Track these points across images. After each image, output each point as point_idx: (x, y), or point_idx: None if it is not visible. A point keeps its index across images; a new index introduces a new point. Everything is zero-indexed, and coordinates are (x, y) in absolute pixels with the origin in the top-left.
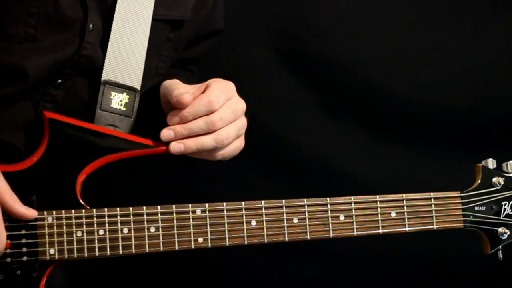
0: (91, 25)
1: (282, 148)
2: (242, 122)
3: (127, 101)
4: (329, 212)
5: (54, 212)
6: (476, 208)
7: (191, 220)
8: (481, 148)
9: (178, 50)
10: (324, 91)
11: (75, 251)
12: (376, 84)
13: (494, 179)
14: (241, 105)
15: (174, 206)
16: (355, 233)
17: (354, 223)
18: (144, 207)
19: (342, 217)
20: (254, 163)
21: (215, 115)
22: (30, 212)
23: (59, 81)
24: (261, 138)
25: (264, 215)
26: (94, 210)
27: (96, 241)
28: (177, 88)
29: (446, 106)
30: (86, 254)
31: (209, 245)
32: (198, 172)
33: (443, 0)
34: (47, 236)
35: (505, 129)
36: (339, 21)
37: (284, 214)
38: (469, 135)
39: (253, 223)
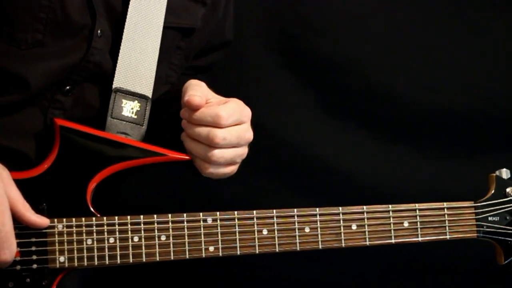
0: (99, 31)
1: (282, 148)
2: (242, 151)
3: (139, 109)
4: (341, 221)
5: (64, 220)
6: (490, 218)
7: (202, 228)
8: (481, 148)
9: (188, 59)
10: (324, 91)
11: (85, 259)
12: (376, 84)
13: (508, 189)
14: (249, 134)
15: (185, 214)
16: (367, 242)
17: (367, 232)
18: (155, 216)
19: (354, 227)
20: (254, 163)
21: (220, 133)
22: (42, 221)
23: (67, 87)
24: (261, 138)
25: (275, 224)
26: (105, 218)
27: (107, 249)
28: (194, 89)
29: (446, 106)
30: (96, 262)
31: (220, 254)
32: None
33: (443, 0)
34: (57, 244)
35: (506, 129)
36: (339, 21)
37: (296, 223)
38: (469, 135)
39: (265, 232)
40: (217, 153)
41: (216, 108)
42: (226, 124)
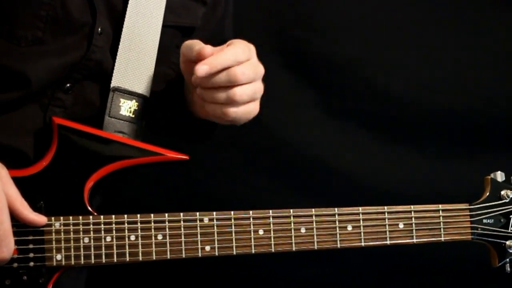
0: (99, 29)
1: (282, 148)
2: (260, 85)
3: (136, 108)
4: (337, 222)
5: (61, 218)
6: (484, 220)
7: (198, 228)
8: (481, 148)
9: None
10: (324, 91)
11: (82, 258)
12: (376, 84)
13: (502, 192)
14: (261, 68)
15: (181, 214)
16: (363, 243)
17: (362, 233)
18: (152, 215)
19: (350, 228)
20: (254, 163)
21: (238, 68)
22: (40, 219)
23: (68, 85)
24: (261, 138)
25: (271, 225)
26: (102, 216)
27: (103, 248)
28: (198, 43)
29: (446, 106)
30: (93, 261)
31: (217, 253)
32: (198, 171)
33: (443, 0)
34: (54, 242)
35: (506, 129)
36: (339, 21)
37: (292, 224)
38: (469, 135)
39: (261, 232)
40: (239, 90)
41: (231, 49)
42: (244, 60)
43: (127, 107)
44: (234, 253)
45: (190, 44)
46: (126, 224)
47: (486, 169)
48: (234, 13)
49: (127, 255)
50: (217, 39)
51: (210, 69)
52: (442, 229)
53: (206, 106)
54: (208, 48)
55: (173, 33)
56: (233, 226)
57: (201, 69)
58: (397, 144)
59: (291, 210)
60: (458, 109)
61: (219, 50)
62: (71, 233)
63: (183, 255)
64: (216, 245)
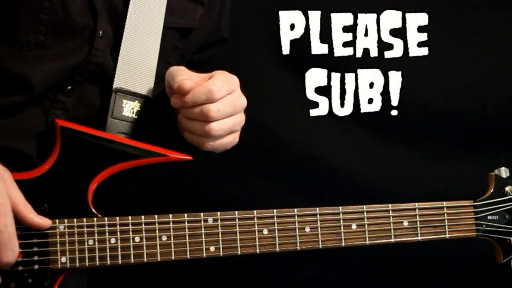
0: (100, 32)
1: (281, 148)
2: (239, 118)
3: (139, 109)
4: (341, 221)
5: (65, 220)
6: (489, 217)
7: (202, 229)
8: (480, 148)
9: (184, 59)
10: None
11: (87, 260)
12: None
13: (507, 188)
14: (242, 101)
15: (186, 214)
16: (367, 242)
17: (366, 232)
18: (156, 216)
19: (354, 226)
20: (254, 163)
21: (213, 105)
22: (44, 222)
23: (69, 87)
24: (261, 138)
25: (276, 224)
26: (106, 218)
27: (108, 250)
28: (180, 74)
29: (446, 106)
30: (97, 263)
31: (221, 254)
32: (198, 171)
33: (443, 0)
34: (58, 245)
35: (506, 129)
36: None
37: (296, 223)
38: (468, 135)
39: (265, 232)
40: (215, 126)
41: (206, 85)
42: (219, 97)
43: (130, 108)
44: (239, 253)
45: (174, 73)
46: (130, 225)
47: (486, 169)
48: (233, 13)
49: (132, 256)
50: (214, 38)
51: (182, 104)
52: (446, 226)
53: (184, 133)
54: (187, 83)
55: (172, 34)
56: (237, 226)
57: (174, 102)
58: (397, 144)
59: (295, 210)
60: (458, 109)
61: (198, 83)
62: (76, 235)
63: (188, 256)
64: (221, 246)
